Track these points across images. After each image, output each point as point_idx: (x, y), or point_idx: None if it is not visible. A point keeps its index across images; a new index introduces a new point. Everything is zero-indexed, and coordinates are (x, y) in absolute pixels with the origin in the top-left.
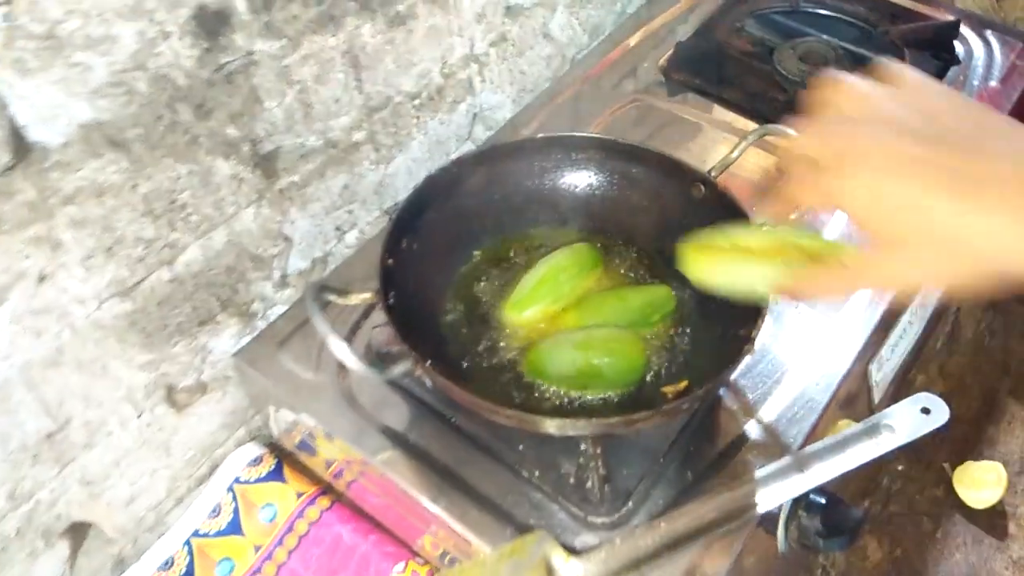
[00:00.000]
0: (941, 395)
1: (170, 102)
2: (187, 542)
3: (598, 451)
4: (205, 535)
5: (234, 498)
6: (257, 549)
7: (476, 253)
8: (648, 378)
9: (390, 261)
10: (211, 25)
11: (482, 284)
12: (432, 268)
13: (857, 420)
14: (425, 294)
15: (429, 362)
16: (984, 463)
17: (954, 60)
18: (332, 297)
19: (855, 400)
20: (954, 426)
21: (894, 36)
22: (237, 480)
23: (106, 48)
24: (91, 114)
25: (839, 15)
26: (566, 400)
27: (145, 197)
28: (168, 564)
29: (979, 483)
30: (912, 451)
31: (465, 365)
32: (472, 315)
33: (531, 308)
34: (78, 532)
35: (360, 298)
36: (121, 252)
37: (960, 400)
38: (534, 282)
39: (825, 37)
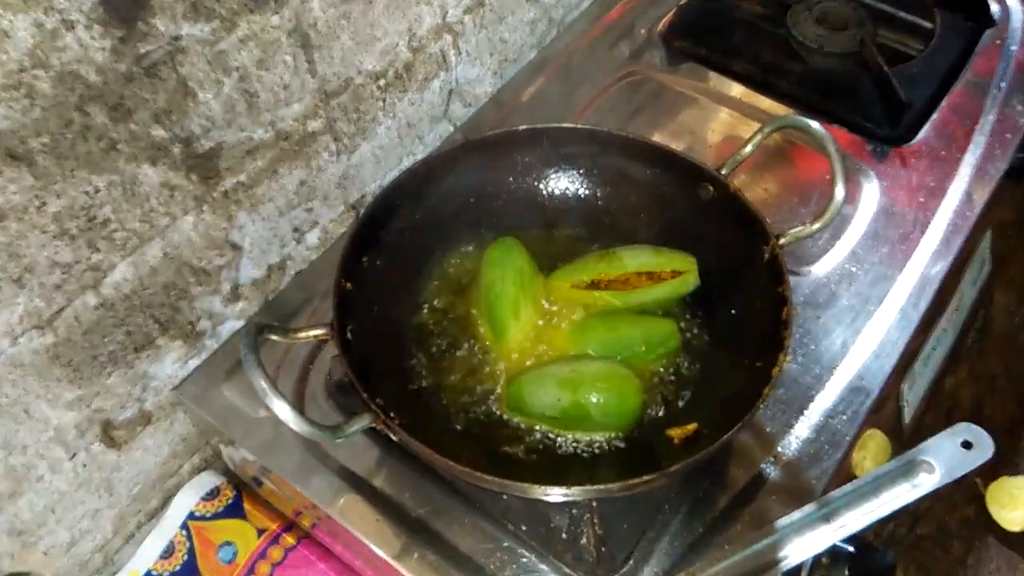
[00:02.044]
0: (972, 399)
1: (80, 104)
2: None
3: (593, 503)
4: None
5: (189, 536)
6: None
7: (449, 267)
8: (649, 413)
9: (348, 285)
10: (124, 10)
11: (457, 304)
12: (398, 288)
13: (885, 432)
14: (389, 320)
15: (394, 417)
16: (1020, 479)
17: (989, 22)
18: (275, 337)
19: (884, 415)
20: None
21: None
22: (192, 516)
23: None
24: None
25: None
26: (555, 441)
27: (56, 216)
28: None
29: (1015, 501)
30: None
31: (437, 405)
32: (445, 340)
33: (512, 325)
34: None
35: (311, 335)
36: (33, 281)
37: (993, 405)
38: (506, 298)
39: None
